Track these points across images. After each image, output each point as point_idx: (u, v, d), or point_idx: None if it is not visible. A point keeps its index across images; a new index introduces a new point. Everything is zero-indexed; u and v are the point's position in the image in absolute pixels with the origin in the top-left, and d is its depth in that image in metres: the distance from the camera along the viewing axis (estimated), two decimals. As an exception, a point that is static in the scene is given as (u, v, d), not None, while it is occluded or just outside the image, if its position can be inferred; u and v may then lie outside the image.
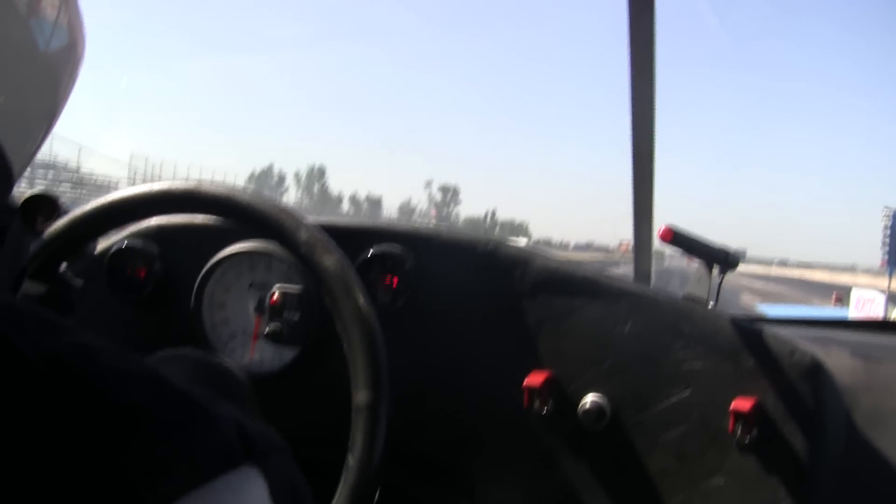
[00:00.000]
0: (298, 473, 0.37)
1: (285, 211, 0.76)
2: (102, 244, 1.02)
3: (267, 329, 0.93)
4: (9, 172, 0.40)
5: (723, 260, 0.90)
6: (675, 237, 0.90)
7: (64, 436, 0.27)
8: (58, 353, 0.29)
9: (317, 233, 0.75)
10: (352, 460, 0.68)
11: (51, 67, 0.42)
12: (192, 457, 0.30)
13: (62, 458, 0.26)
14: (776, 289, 30.76)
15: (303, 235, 0.74)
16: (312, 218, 0.81)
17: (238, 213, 0.77)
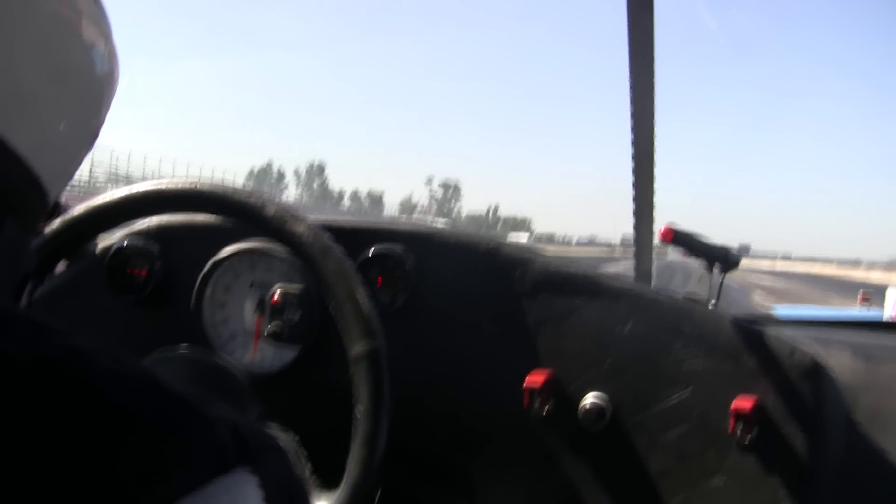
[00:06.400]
0: (294, 473, 0.38)
1: (249, 193, 0.78)
2: (103, 244, 1.03)
3: (268, 329, 0.93)
4: (46, 200, 0.41)
5: (723, 259, 0.90)
6: (675, 237, 0.91)
7: (57, 439, 0.27)
8: (49, 357, 0.29)
9: (283, 206, 0.76)
10: (360, 411, 0.69)
11: (99, 92, 0.43)
12: (186, 459, 0.30)
13: (56, 462, 0.26)
14: (790, 286, 28.31)
15: (270, 210, 0.76)
16: (313, 216, 0.81)
17: (208, 203, 0.79)
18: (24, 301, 0.78)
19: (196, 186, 0.79)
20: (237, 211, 0.77)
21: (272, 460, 0.35)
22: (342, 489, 0.69)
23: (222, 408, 0.34)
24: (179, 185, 0.79)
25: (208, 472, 0.30)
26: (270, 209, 0.76)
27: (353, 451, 0.69)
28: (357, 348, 0.70)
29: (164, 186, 0.79)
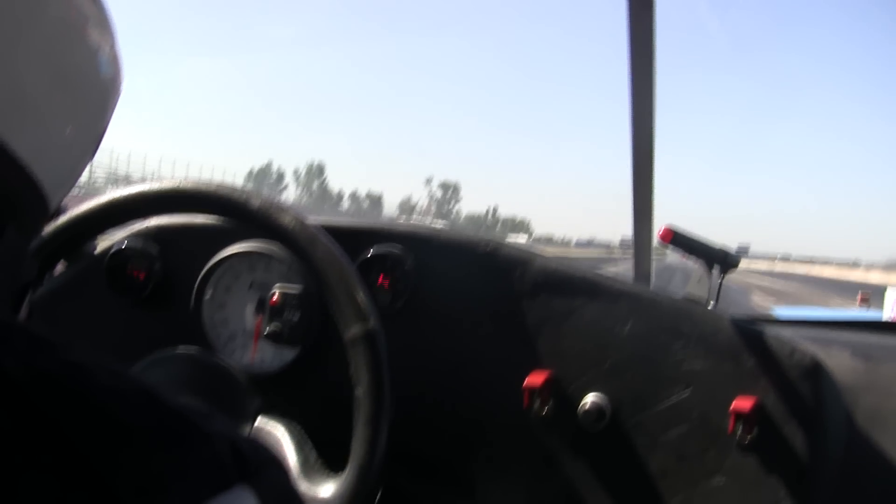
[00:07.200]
0: (292, 485, 0.37)
1: (233, 189, 0.78)
2: (102, 245, 1.02)
3: (267, 329, 0.93)
4: (47, 207, 0.41)
5: (722, 260, 0.90)
6: (674, 238, 0.91)
7: (56, 454, 0.27)
8: (48, 372, 0.29)
9: (268, 199, 0.76)
10: (360, 392, 0.69)
11: (103, 97, 0.43)
12: (185, 475, 0.30)
13: (55, 476, 0.26)
14: (789, 287, 27.94)
15: (255, 204, 0.75)
16: (312, 217, 0.81)
17: (193, 202, 0.78)
18: (24, 309, 0.77)
19: (179, 186, 0.78)
20: (222, 207, 0.77)
21: (271, 476, 0.35)
22: (349, 470, 0.68)
23: (221, 422, 0.34)
24: (162, 186, 0.79)
25: (207, 488, 0.30)
26: (255, 202, 0.75)
27: (357, 432, 0.68)
28: (352, 330, 0.70)
29: (147, 189, 0.79)
